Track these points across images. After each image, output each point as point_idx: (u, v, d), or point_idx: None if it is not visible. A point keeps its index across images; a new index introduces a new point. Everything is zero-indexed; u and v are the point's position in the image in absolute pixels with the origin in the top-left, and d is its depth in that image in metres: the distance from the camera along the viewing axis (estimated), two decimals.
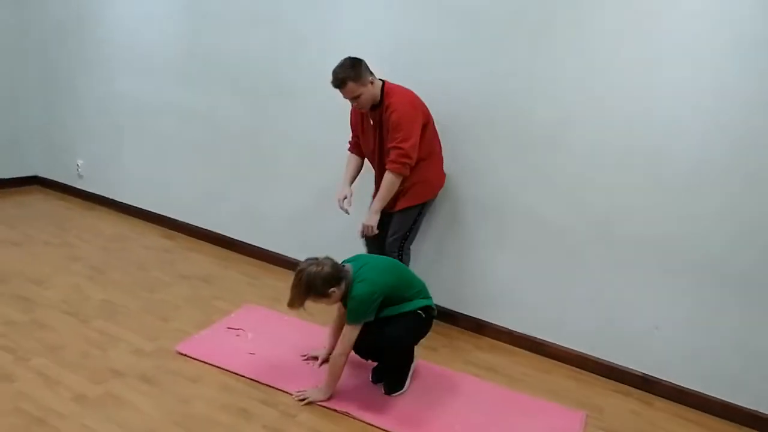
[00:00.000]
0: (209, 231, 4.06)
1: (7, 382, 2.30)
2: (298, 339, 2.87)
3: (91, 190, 4.69)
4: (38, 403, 2.19)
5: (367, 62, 2.71)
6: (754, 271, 2.48)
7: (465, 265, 3.12)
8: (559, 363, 2.95)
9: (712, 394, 2.64)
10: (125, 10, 4.13)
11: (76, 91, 4.58)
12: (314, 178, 3.58)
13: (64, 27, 4.48)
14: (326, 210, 3.41)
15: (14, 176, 4.90)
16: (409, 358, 2.51)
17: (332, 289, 2.32)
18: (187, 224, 4.17)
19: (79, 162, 4.70)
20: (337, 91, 2.69)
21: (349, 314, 2.34)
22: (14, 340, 2.59)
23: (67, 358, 2.51)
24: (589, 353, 2.90)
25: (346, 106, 3.13)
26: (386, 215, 2.81)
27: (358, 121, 2.87)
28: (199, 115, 3.95)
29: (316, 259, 2.35)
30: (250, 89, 3.68)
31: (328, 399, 2.40)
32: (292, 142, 3.61)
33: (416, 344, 2.52)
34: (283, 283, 3.48)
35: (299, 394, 2.41)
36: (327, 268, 2.31)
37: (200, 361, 2.60)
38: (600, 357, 2.87)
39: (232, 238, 3.97)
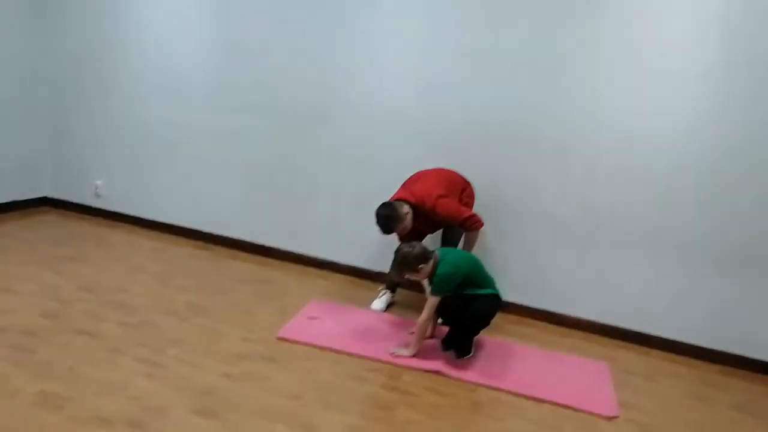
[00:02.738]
0: (244, 240, 4.50)
1: (161, 368, 2.70)
2: (368, 322, 3.44)
3: (110, 209, 4.95)
4: (197, 381, 2.62)
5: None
6: (721, 252, 3.37)
7: (492, 255, 3.81)
8: (572, 329, 3.71)
9: (691, 342, 3.50)
10: (149, 38, 4.49)
11: (93, 116, 4.84)
12: (347, 190, 4.14)
13: (81, 55, 4.75)
14: (359, 218, 4.02)
15: (23, 198, 5.05)
16: (479, 330, 3.15)
17: (421, 266, 2.96)
18: (220, 236, 4.58)
19: (98, 182, 4.95)
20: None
21: (433, 287, 2.98)
22: (138, 338, 2.97)
23: (192, 348, 2.93)
24: (596, 319, 3.68)
25: (377, 128, 3.91)
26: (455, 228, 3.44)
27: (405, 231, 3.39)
28: (229, 136, 4.40)
29: (411, 243, 2.98)
30: (285, 114, 4.19)
31: (414, 356, 3.03)
32: (325, 159, 4.16)
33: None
34: (328, 281, 4.07)
35: (392, 350, 3.06)
36: (417, 250, 2.97)
37: (302, 343, 3.10)
38: (605, 322, 3.66)
39: (269, 246, 4.43)
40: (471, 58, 3.68)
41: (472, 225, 3.32)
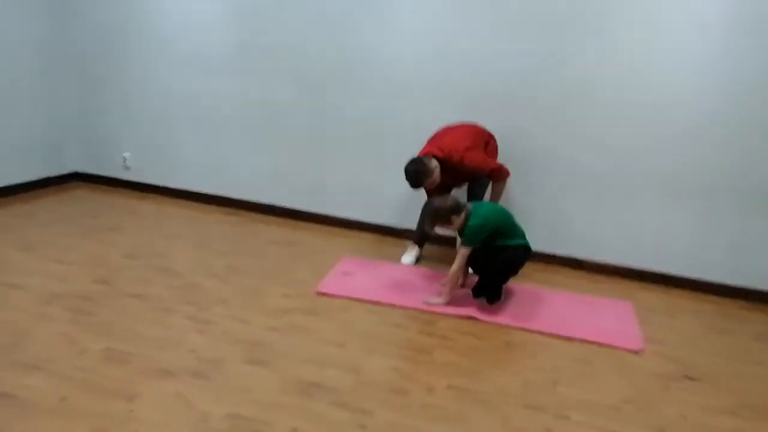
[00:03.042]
0: (272, 205, 4.64)
1: (211, 324, 2.88)
2: (399, 275, 3.60)
3: (139, 180, 5.10)
4: (246, 334, 2.79)
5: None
6: (738, 191, 3.46)
7: (516, 206, 3.91)
8: (596, 274, 3.84)
9: (710, 279, 3.63)
10: (170, 7, 4.55)
11: (119, 88, 4.93)
12: (372, 150, 4.24)
13: (106, 27, 4.81)
14: (384, 177, 4.16)
15: (54, 174, 5.19)
16: (508, 278, 3.28)
17: (453, 216, 3.07)
18: (248, 201, 4.71)
19: (126, 155, 5.09)
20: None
21: (465, 239, 3.12)
22: (185, 298, 3.14)
23: (237, 306, 3.10)
24: (618, 263, 3.81)
25: (399, 88, 3.98)
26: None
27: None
28: (253, 102, 4.49)
29: (444, 196, 3.10)
30: (307, 77, 4.27)
31: (447, 304, 3.18)
32: (349, 121, 4.25)
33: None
34: (356, 240, 4.22)
35: (426, 300, 3.21)
36: (450, 202, 3.10)
37: (340, 296, 3.26)
38: (627, 264, 3.79)
39: (298, 209, 4.57)
40: (489, 14, 3.72)
41: (500, 175, 3.43)
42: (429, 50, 3.91)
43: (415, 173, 3.34)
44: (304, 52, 4.23)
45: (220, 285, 3.34)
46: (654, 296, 3.58)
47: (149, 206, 4.74)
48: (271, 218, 4.59)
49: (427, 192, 3.58)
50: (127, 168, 5.13)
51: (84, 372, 2.42)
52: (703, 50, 3.37)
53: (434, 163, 3.38)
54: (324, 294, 3.30)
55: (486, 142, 3.57)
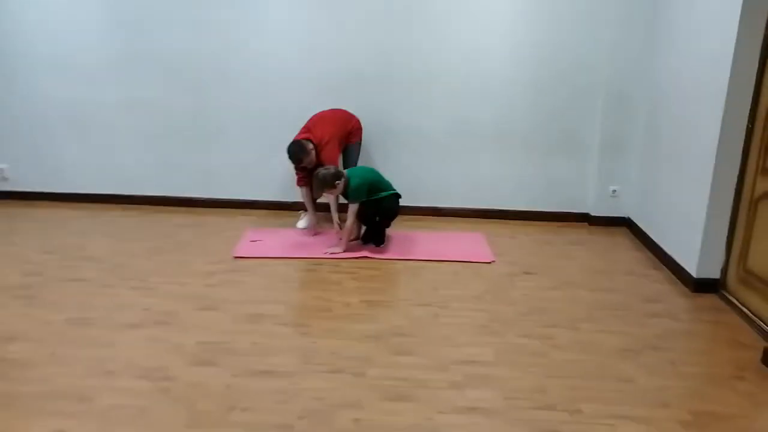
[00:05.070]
0: (167, 196, 5.06)
1: (154, 290, 3.37)
2: (299, 237, 4.31)
3: (21, 190, 5.20)
4: (187, 292, 3.34)
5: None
6: (542, 141, 4.65)
7: (381, 171, 4.78)
8: (451, 217, 4.86)
9: (535, 209, 4.80)
10: (35, 18, 4.77)
11: None
12: (254, 137, 4.88)
13: None
14: (267, 159, 4.85)
15: None
16: (389, 222, 4.13)
17: (337, 182, 3.84)
18: (142, 195, 5.08)
19: (3, 166, 5.16)
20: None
21: (350, 197, 3.90)
22: (120, 275, 3.57)
23: (170, 275, 3.59)
24: (467, 206, 4.86)
25: (272, 82, 4.67)
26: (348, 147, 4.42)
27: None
28: (136, 105, 4.88)
29: (326, 166, 3.87)
30: (187, 77, 4.77)
31: (345, 251, 3.95)
32: (230, 114, 4.84)
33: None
34: (253, 216, 4.83)
35: (327, 250, 3.96)
36: (332, 170, 3.86)
37: (255, 258, 3.90)
38: (473, 206, 4.85)
39: (192, 197, 5.05)
40: (347, 10, 4.53)
41: None
42: (296, 44, 4.63)
43: (295, 153, 4.15)
44: (182, 57, 4.73)
45: (147, 262, 3.80)
46: (497, 227, 4.67)
47: (42, 211, 4.91)
48: (169, 208, 5.01)
49: (304, 169, 4.31)
50: (5, 179, 5.19)
51: (56, 335, 2.84)
52: (509, 35, 4.50)
53: (311, 145, 4.19)
54: (241, 257, 3.91)
55: (352, 125, 4.43)
